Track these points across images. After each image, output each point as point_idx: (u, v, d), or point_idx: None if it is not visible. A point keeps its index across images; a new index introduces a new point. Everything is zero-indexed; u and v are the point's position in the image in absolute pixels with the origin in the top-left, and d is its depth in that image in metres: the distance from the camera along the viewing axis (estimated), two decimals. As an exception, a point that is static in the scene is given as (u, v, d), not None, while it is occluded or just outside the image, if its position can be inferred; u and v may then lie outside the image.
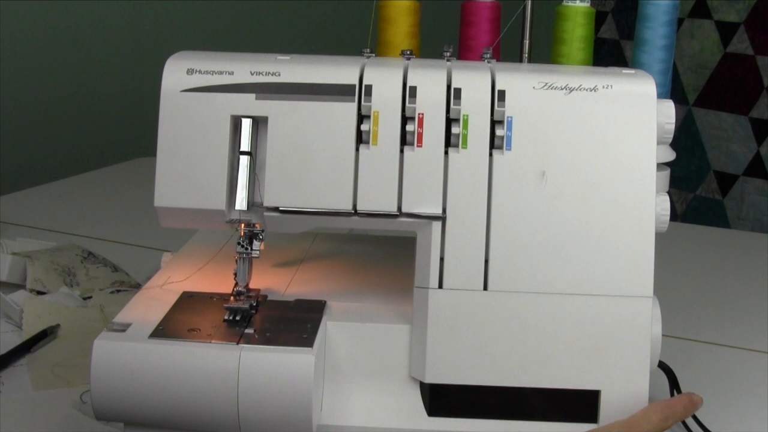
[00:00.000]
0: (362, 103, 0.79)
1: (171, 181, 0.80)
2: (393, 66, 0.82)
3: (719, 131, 2.62)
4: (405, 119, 0.80)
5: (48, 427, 0.88)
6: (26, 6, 2.20)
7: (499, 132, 0.79)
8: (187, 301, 0.85)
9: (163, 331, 0.78)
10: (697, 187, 2.70)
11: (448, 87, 0.80)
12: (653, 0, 0.94)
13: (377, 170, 0.79)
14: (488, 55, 0.90)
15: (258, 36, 2.63)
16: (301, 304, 0.85)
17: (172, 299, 0.85)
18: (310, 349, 0.75)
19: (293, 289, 0.89)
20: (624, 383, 0.79)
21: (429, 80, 0.80)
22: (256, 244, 0.83)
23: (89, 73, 2.35)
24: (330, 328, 0.81)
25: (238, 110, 0.80)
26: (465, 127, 0.79)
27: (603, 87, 0.80)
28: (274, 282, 0.90)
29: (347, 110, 0.80)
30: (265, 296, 0.87)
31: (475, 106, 0.79)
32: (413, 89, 0.80)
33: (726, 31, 2.58)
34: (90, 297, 1.15)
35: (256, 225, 0.82)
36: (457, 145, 0.79)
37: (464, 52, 0.99)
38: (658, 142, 0.80)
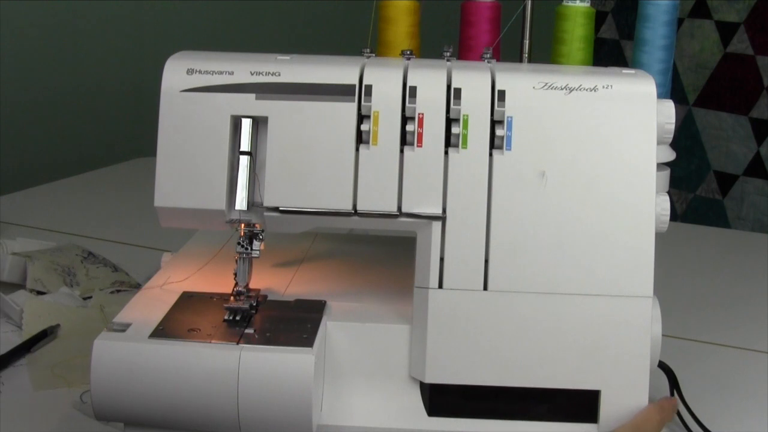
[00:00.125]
0: (362, 103, 0.79)
1: (171, 181, 0.80)
2: (393, 66, 0.82)
3: (719, 131, 2.62)
4: (405, 119, 0.80)
5: (48, 427, 0.88)
6: (26, 6, 2.20)
7: (499, 132, 0.79)
8: (187, 301, 0.85)
9: (163, 331, 0.78)
10: (697, 187, 2.70)
11: (448, 87, 0.80)
12: (653, 0, 0.94)
13: (377, 170, 0.79)
14: (488, 55, 0.90)
15: (258, 36, 2.63)
16: (301, 304, 0.85)
17: (172, 299, 0.85)
18: (310, 349, 0.75)
19: (293, 289, 0.89)
20: (624, 383, 0.79)
21: (429, 80, 0.80)
22: (256, 244, 0.83)
23: (89, 73, 2.35)
24: (330, 328, 0.81)
25: (238, 110, 0.80)
26: (465, 127, 0.79)
27: (603, 87, 0.80)
28: (274, 282, 0.90)
29: (347, 110, 0.80)
30: (265, 296, 0.87)
31: (475, 106, 0.79)
32: (413, 89, 0.80)
33: (726, 31, 2.58)
34: (90, 297, 1.15)
35: (256, 225, 0.82)
36: (457, 145, 0.79)
37: (464, 52, 0.99)
38: (658, 142, 0.80)
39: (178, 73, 0.81)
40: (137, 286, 1.18)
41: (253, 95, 0.80)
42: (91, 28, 2.34)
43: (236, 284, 0.84)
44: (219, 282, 0.88)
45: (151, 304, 0.84)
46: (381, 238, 1.07)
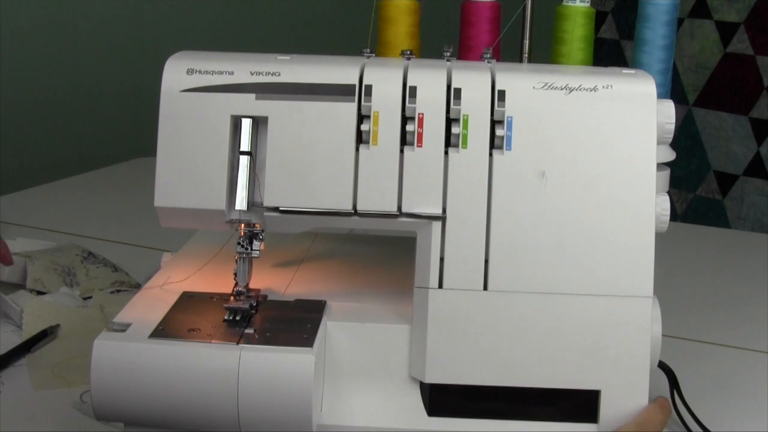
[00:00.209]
0: (362, 103, 0.79)
1: (171, 181, 0.80)
2: (393, 66, 0.82)
3: (719, 131, 2.62)
4: (405, 119, 0.80)
5: (48, 427, 0.88)
6: (26, 6, 2.20)
7: (499, 132, 0.79)
8: (187, 301, 0.85)
9: (163, 331, 0.78)
10: (697, 187, 2.70)
11: (448, 87, 0.80)
12: (653, 0, 0.94)
13: (377, 170, 0.79)
14: (488, 55, 0.90)
15: (258, 36, 2.63)
16: (301, 304, 0.85)
17: (172, 299, 0.85)
18: (310, 349, 0.75)
19: (293, 289, 0.89)
20: (624, 383, 0.79)
21: (429, 80, 0.80)
22: (256, 244, 0.83)
23: (89, 73, 2.35)
24: (330, 328, 0.81)
25: (238, 110, 0.80)
26: (465, 127, 0.79)
27: (603, 87, 0.80)
28: (274, 282, 0.90)
29: (347, 110, 0.80)
30: (265, 296, 0.87)
31: (475, 106, 0.79)
32: (413, 89, 0.80)
33: (726, 31, 2.58)
34: (90, 297, 1.15)
35: (256, 225, 0.82)
36: (457, 145, 0.79)
37: (464, 52, 0.99)
38: (658, 142, 0.80)
39: (178, 73, 0.81)
40: (137, 286, 1.18)
41: (253, 95, 0.80)
42: (91, 28, 2.34)
43: (236, 284, 0.84)
44: (219, 282, 0.88)
45: (151, 304, 0.84)
46: (381, 238, 1.07)
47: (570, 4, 0.95)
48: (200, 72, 0.81)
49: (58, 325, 1.06)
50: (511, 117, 0.79)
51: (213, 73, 0.81)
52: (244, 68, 0.81)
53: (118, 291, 1.18)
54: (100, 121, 2.39)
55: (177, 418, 0.75)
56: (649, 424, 0.79)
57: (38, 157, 2.24)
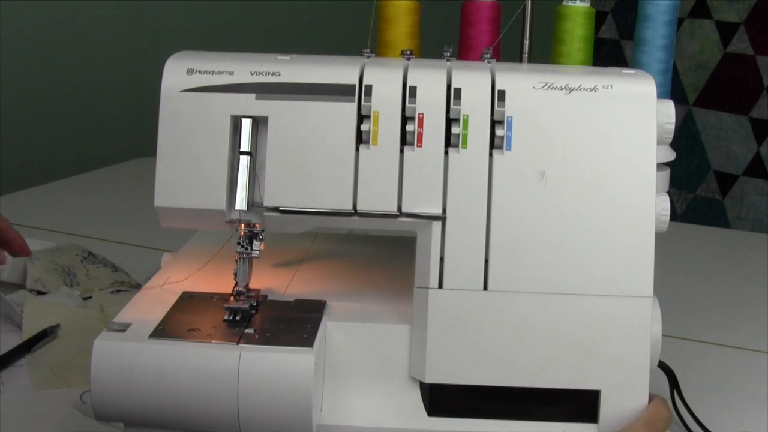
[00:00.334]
0: (362, 103, 0.79)
1: (171, 181, 0.80)
2: (393, 66, 0.82)
3: (719, 131, 2.62)
4: (405, 119, 0.80)
5: (48, 427, 0.88)
6: (26, 6, 2.20)
7: (499, 132, 0.79)
8: (187, 301, 0.85)
9: (163, 331, 0.78)
10: (697, 187, 2.70)
11: (448, 87, 0.80)
12: (653, 0, 0.94)
13: (377, 170, 0.79)
14: (488, 55, 0.90)
15: (258, 36, 2.63)
16: (301, 304, 0.85)
17: (172, 299, 0.85)
18: (310, 349, 0.75)
19: (293, 289, 0.89)
20: (624, 383, 0.79)
21: (429, 80, 0.80)
22: (256, 244, 0.83)
23: (89, 73, 2.35)
24: (330, 328, 0.81)
25: (238, 110, 0.80)
26: (465, 127, 0.79)
27: (603, 87, 0.80)
28: (274, 282, 0.90)
29: (347, 110, 0.80)
30: (265, 296, 0.87)
31: (475, 106, 0.79)
32: (413, 89, 0.80)
33: (726, 31, 2.58)
34: (90, 297, 1.15)
35: (256, 225, 0.82)
36: (457, 145, 0.79)
37: (464, 52, 0.99)
38: (658, 142, 0.80)
39: (178, 73, 0.81)
40: (137, 286, 1.18)
41: (253, 95, 0.80)
42: (91, 28, 2.34)
43: (236, 284, 0.83)
44: (219, 282, 0.88)
45: (151, 304, 0.84)
46: (381, 238, 1.07)
47: (570, 4, 0.95)
48: (200, 72, 0.81)
49: (58, 325, 1.06)
50: (511, 117, 0.79)
51: (213, 73, 0.81)
52: (244, 68, 0.81)
53: (118, 291, 1.18)
54: (100, 121, 2.39)
55: (177, 418, 0.75)
56: (658, 419, 0.79)
57: (38, 157, 2.24)
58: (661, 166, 0.85)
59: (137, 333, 0.77)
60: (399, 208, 0.80)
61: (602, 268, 0.79)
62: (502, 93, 0.80)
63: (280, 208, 0.80)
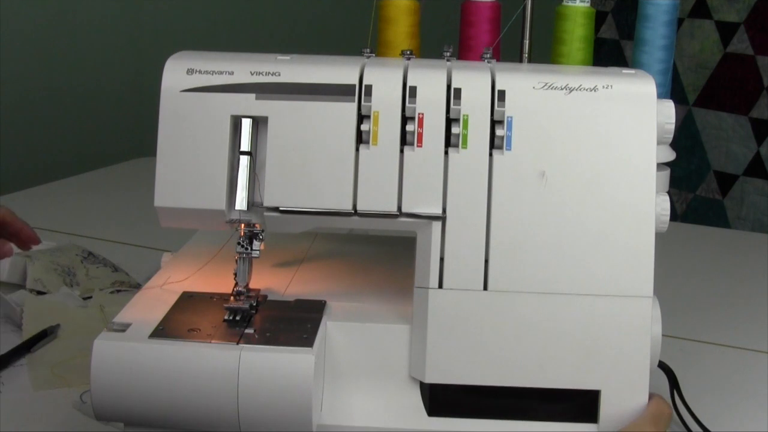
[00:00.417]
0: (362, 103, 0.79)
1: (171, 181, 0.80)
2: (393, 66, 0.82)
3: (719, 131, 2.62)
4: (405, 119, 0.80)
5: (48, 427, 0.88)
6: (26, 6, 2.20)
7: (499, 132, 0.79)
8: (187, 301, 0.85)
9: (163, 331, 0.78)
10: (697, 187, 2.70)
11: (448, 87, 0.80)
12: (653, 0, 0.94)
13: (377, 170, 0.79)
14: (488, 55, 0.90)
15: (258, 36, 2.63)
16: (301, 304, 0.85)
17: (172, 299, 0.85)
18: (310, 349, 0.75)
19: (293, 289, 0.89)
20: (624, 383, 0.79)
21: (429, 80, 0.80)
22: (256, 244, 0.83)
23: (89, 73, 2.35)
24: (330, 328, 0.81)
25: (238, 110, 0.80)
26: (465, 127, 0.79)
27: (603, 87, 0.80)
28: (274, 282, 0.90)
29: (347, 110, 0.80)
30: (265, 296, 0.87)
31: (475, 106, 0.79)
32: (413, 89, 0.80)
33: (726, 31, 2.58)
34: (90, 297, 1.15)
35: (256, 225, 0.82)
36: (457, 145, 0.79)
37: (464, 52, 0.99)
38: (658, 142, 0.80)
39: (178, 73, 0.81)
40: (137, 286, 1.18)
41: (253, 95, 0.80)
42: (91, 28, 2.34)
43: (236, 284, 0.83)
44: (219, 282, 0.88)
45: (151, 304, 0.84)
46: (381, 238, 1.07)
47: (570, 4, 0.95)
48: (200, 72, 0.81)
49: (58, 325, 1.06)
50: (511, 117, 0.79)
51: (213, 73, 0.81)
52: (244, 68, 0.81)
53: (118, 291, 1.18)
54: (100, 121, 2.39)
55: (177, 418, 0.75)
56: (661, 416, 0.79)
57: (38, 157, 2.24)
58: (661, 166, 0.85)
59: (137, 333, 0.77)
60: (399, 208, 0.80)
61: (602, 268, 0.79)
62: (502, 93, 0.80)
63: (280, 208, 0.80)
